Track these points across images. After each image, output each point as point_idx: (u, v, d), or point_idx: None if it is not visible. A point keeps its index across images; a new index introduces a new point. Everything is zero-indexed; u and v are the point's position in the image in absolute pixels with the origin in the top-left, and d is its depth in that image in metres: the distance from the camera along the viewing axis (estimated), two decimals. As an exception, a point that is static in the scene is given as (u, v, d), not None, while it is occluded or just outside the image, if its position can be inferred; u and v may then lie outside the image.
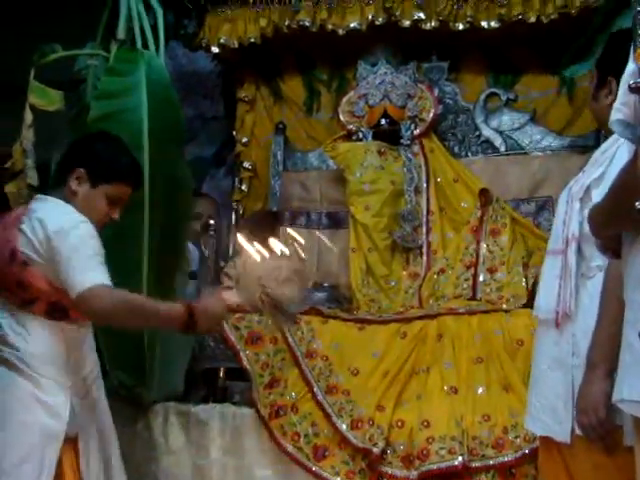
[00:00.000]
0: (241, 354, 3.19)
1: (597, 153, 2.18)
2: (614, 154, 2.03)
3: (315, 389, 3.00)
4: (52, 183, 2.50)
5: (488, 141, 4.07)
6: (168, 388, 3.15)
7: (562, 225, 2.13)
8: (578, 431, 1.84)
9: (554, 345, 2.02)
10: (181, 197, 3.11)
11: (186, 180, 3.16)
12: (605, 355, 1.74)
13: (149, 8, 3.41)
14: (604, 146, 2.15)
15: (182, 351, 3.16)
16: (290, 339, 3.16)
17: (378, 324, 3.20)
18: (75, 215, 2.16)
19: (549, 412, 1.96)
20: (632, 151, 1.45)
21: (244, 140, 4.56)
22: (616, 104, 1.45)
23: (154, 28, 3.39)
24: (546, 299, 2.09)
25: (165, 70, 3.24)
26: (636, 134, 1.39)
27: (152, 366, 2.81)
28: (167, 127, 3.08)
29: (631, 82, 1.22)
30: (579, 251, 2.03)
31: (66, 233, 2.08)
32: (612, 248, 1.61)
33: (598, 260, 1.88)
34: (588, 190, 2.09)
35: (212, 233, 3.45)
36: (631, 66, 1.41)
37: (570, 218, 2.09)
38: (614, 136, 2.11)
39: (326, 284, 3.69)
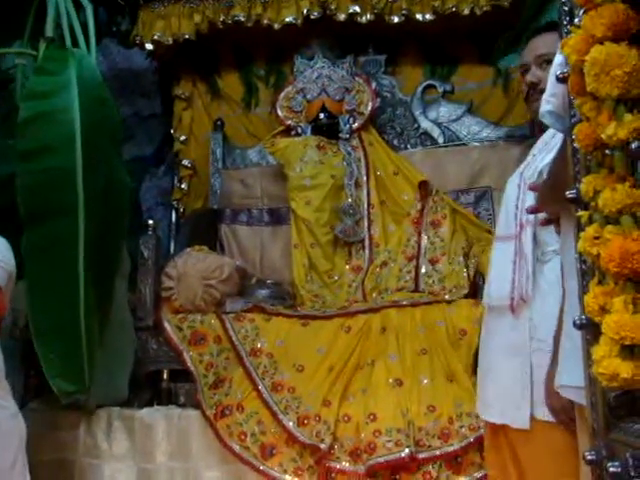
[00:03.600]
0: (185, 355, 3.15)
1: (546, 136, 2.19)
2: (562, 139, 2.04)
3: (260, 387, 2.98)
4: None
5: (426, 133, 4.09)
6: (111, 392, 3.09)
7: (514, 210, 2.12)
8: (539, 416, 1.84)
9: (510, 331, 2.00)
10: (118, 197, 3.04)
11: (123, 180, 3.09)
12: None
13: (79, 5, 3.33)
14: (550, 132, 2.17)
15: (124, 354, 3.10)
16: (234, 338, 3.14)
17: (322, 319, 3.19)
18: None
19: (505, 399, 1.94)
20: (563, 139, 1.47)
21: (182, 138, 4.50)
22: (545, 95, 1.46)
23: (84, 26, 3.31)
24: (499, 285, 2.07)
25: (96, 69, 3.16)
26: (565, 125, 1.40)
27: (92, 371, 2.75)
28: (101, 127, 3.00)
29: (558, 72, 1.22)
30: (534, 235, 2.03)
31: None
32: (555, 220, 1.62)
33: (554, 244, 1.86)
34: (540, 174, 2.09)
35: (151, 233, 3.38)
36: (559, 57, 1.42)
37: (523, 202, 2.08)
38: None
39: (269, 281, 3.67)
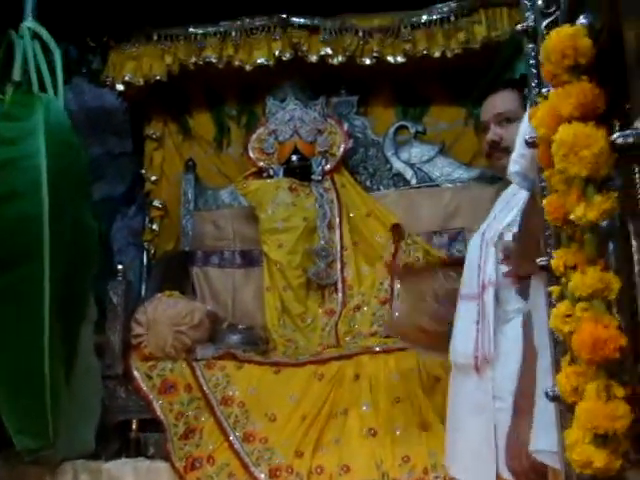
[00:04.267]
0: (154, 404, 3.08)
1: (506, 195, 2.19)
2: (523, 199, 2.04)
3: (232, 438, 2.92)
4: None
5: (399, 174, 4.09)
6: (77, 444, 3.00)
7: (477, 269, 2.12)
8: (505, 475, 1.81)
9: (475, 390, 2.00)
10: (85, 243, 2.99)
11: (90, 225, 3.04)
12: (530, 401, 1.73)
13: (47, 49, 3.29)
14: (513, 188, 2.16)
15: (91, 404, 3.02)
16: (205, 386, 3.07)
17: (294, 367, 3.13)
18: None
19: (472, 457, 1.94)
20: (528, 200, 1.46)
21: (153, 178, 4.46)
22: (514, 155, 1.45)
23: (53, 69, 3.27)
24: (463, 344, 2.07)
25: (64, 113, 3.12)
26: (532, 185, 1.39)
27: (57, 425, 2.67)
28: (68, 172, 2.96)
29: (527, 137, 1.21)
30: (496, 296, 2.03)
31: None
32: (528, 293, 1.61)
33: (515, 304, 1.88)
34: (502, 236, 2.09)
35: (120, 278, 3.32)
36: (526, 118, 1.41)
37: (485, 262, 2.08)
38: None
39: (241, 325, 3.61)
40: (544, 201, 1.07)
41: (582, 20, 0.90)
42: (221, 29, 4.06)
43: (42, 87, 3.16)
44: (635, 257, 0.84)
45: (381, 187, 4.10)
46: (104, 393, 3.15)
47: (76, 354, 2.81)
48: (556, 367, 1.18)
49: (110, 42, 4.20)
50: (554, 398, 1.15)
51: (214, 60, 4.01)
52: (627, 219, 0.87)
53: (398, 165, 4.09)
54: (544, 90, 1.08)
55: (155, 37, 4.10)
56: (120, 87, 4.18)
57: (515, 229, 2.04)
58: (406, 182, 4.08)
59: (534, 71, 1.32)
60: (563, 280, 1.02)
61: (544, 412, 1.40)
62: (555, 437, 1.28)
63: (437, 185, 4.03)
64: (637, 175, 0.81)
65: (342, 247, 3.80)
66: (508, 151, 2.29)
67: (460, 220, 3.86)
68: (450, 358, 2.17)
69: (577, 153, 0.86)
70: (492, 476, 1.86)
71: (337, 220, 3.84)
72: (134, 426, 3.16)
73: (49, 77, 3.19)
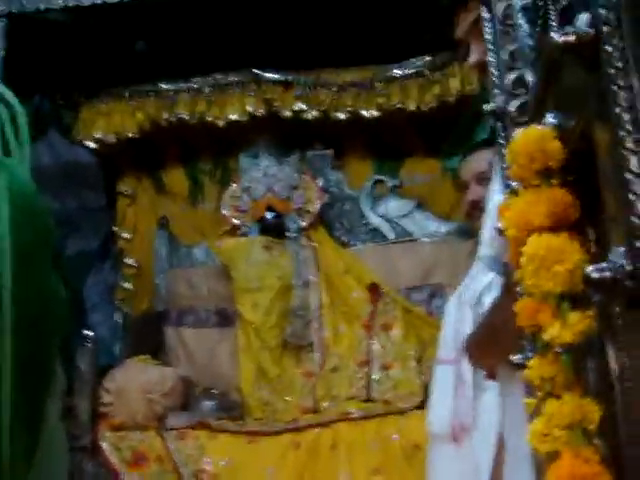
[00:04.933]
0: (123, 478, 2.95)
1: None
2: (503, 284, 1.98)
3: (204, 514, 2.79)
4: None
5: (376, 229, 4.02)
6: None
7: (454, 333, 2.05)
8: None
9: (454, 462, 1.92)
10: (52, 314, 2.88)
11: (59, 294, 2.93)
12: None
13: (11, 110, 3.22)
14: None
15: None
16: (176, 458, 2.95)
17: (270, 435, 3.02)
18: None
19: None
20: (502, 287, 1.38)
21: (126, 235, 4.36)
22: (484, 238, 1.39)
23: (18, 131, 3.20)
24: (439, 412, 2.00)
25: (29, 179, 3.02)
26: (504, 269, 1.33)
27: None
28: (33, 240, 2.84)
29: (497, 226, 1.14)
30: None
31: None
32: (490, 373, 1.53)
33: None
34: (480, 297, 2.03)
35: (89, 344, 3.21)
36: (496, 198, 1.35)
37: (463, 326, 2.02)
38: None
39: (215, 390, 3.50)
40: (516, 304, 0.99)
41: (550, 120, 0.83)
42: (193, 85, 4.01)
43: (6, 152, 3.08)
44: (616, 385, 0.76)
45: (358, 242, 4.03)
46: (71, 466, 3.01)
47: (39, 432, 2.68)
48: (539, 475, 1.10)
49: (80, 99, 4.14)
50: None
51: (186, 117, 3.95)
52: (606, 338, 0.79)
53: (375, 220, 4.02)
54: (514, 184, 1.01)
55: (126, 94, 4.04)
56: (92, 144, 4.11)
57: (493, 291, 1.97)
58: (383, 237, 4.01)
59: (503, 152, 1.26)
60: (540, 394, 0.94)
61: None
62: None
63: (415, 240, 3.97)
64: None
65: (319, 306, 3.71)
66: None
67: (439, 275, 3.79)
68: (427, 428, 2.09)
69: (549, 269, 0.78)
70: None
71: (313, 278, 3.75)
72: (103, 501, 3.03)
73: (14, 140, 3.12)
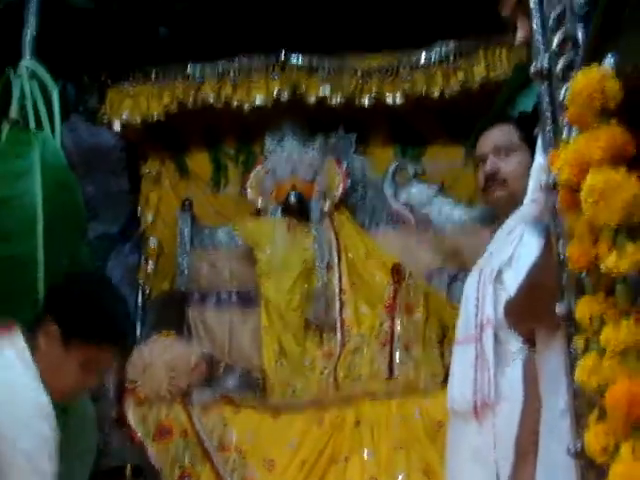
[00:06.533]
0: (149, 450, 3.00)
1: (501, 233, 2.16)
2: (522, 235, 2.00)
3: (229, 485, 2.84)
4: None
5: (398, 214, 4.05)
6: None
7: (474, 309, 2.07)
8: None
9: (475, 436, 1.94)
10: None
11: (88, 267, 2.98)
12: (533, 443, 1.67)
13: (45, 87, 3.27)
14: (507, 226, 2.13)
15: (87, 453, 2.93)
16: (201, 432, 2.99)
17: (293, 411, 3.06)
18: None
19: None
20: (542, 247, 1.40)
21: (149, 217, 4.41)
22: (527, 200, 1.41)
23: (50, 107, 3.24)
24: (461, 390, 2.02)
25: (61, 152, 3.08)
26: (546, 231, 1.35)
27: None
28: (64, 212, 2.90)
29: (542, 182, 1.17)
30: (495, 336, 1.97)
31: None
32: (530, 339, 1.55)
33: (517, 344, 1.81)
34: (500, 273, 2.05)
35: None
36: (539, 160, 1.37)
37: (483, 302, 2.04)
38: (516, 215, 2.09)
39: (238, 368, 3.54)
40: (567, 248, 1.03)
41: (609, 61, 0.87)
42: (219, 68, 4.05)
43: (39, 126, 3.13)
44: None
45: (380, 227, 4.06)
46: (98, 439, 3.06)
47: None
48: (579, 422, 1.13)
49: (108, 80, 4.18)
50: (577, 455, 1.09)
51: (212, 100, 3.99)
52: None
53: (397, 205, 4.05)
54: (564, 135, 1.04)
55: (153, 76, 4.09)
56: (117, 126, 4.16)
57: (514, 265, 1.99)
58: (405, 222, 4.03)
59: (548, 114, 1.29)
60: (588, 331, 0.97)
61: (548, 469, 1.34)
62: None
63: (436, 225, 3.99)
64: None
65: (341, 288, 3.74)
66: (505, 183, 2.28)
67: (460, 260, 3.81)
68: (448, 405, 2.12)
69: (608, 201, 0.81)
70: None
71: (336, 260, 3.79)
72: (128, 472, 3.08)
73: (46, 116, 3.17)
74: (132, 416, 3.07)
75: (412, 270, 3.73)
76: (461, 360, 2.06)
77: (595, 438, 0.91)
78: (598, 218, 0.83)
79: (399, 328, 3.49)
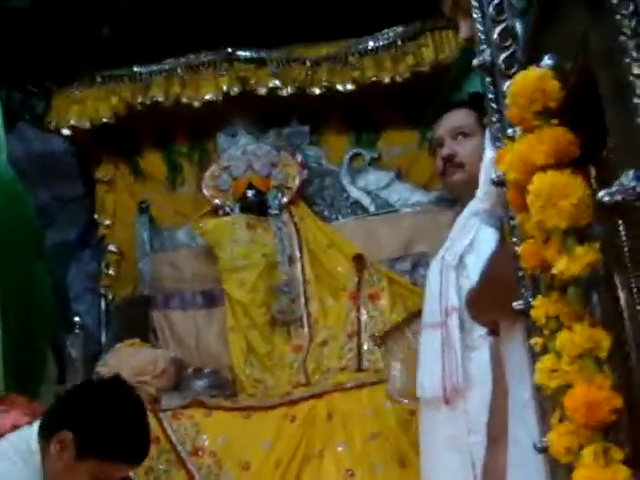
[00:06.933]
0: (121, 460, 2.95)
1: (461, 219, 2.15)
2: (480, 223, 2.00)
3: (205, 491, 2.81)
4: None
5: (357, 202, 4.04)
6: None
7: (439, 296, 2.07)
8: None
9: (447, 425, 1.94)
10: (38, 298, 2.88)
11: (43, 281, 2.93)
12: (504, 427, 1.67)
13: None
14: (467, 212, 2.13)
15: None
16: (173, 438, 2.96)
17: (264, 410, 3.04)
18: None
19: None
20: (498, 240, 1.40)
21: (107, 222, 4.35)
22: (479, 193, 1.41)
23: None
24: (429, 377, 2.02)
25: (7, 165, 3.01)
26: (500, 223, 1.34)
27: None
28: (16, 225, 2.85)
29: (493, 176, 1.16)
30: (461, 322, 1.97)
31: None
32: (492, 328, 1.55)
33: (482, 330, 1.81)
34: (462, 258, 2.05)
35: (78, 331, 3.21)
36: (489, 153, 1.36)
37: (447, 288, 2.04)
38: (474, 201, 2.09)
39: (207, 369, 3.51)
40: (520, 248, 1.02)
41: (547, 61, 0.85)
42: (166, 67, 3.99)
43: (-18, 140, 3.06)
44: (625, 312, 0.78)
45: (339, 216, 4.05)
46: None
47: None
48: (543, 418, 1.13)
49: (53, 86, 4.10)
50: (544, 451, 1.09)
51: (161, 99, 3.94)
52: (612, 269, 0.82)
53: (355, 193, 4.04)
54: (509, 131, 1.03)
55: (99, 79, 4.03)
56: (66, 132, 4.09)
57: (476, 250, 1.99)
58: (364, 210, 4.03)
59: (494, 106, 1.28)
60: (545, 332, 0.96)
61: (518, 457, 1.34)
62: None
63: (396, 210, 3.99)
64: (620, 223, 0.75)
65: (304, 281, 3.72)
66: (462, 167, 2.27)
67: (421, 245, 3.82)
68: (417, 394, 2.12)
69: (555, 204, 0.80)
70: None
71: (297, 254, 3.77)
72: (102, 485, 3.04)
73: (-9, 127, 3.09)
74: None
75: (374, 258, 3.73)
76: (428, 348, 2.06)
77: (559, 439, 0.91)
78: (546, 222, 0.82)
79: (365, 317, 3.49)
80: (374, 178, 4.07)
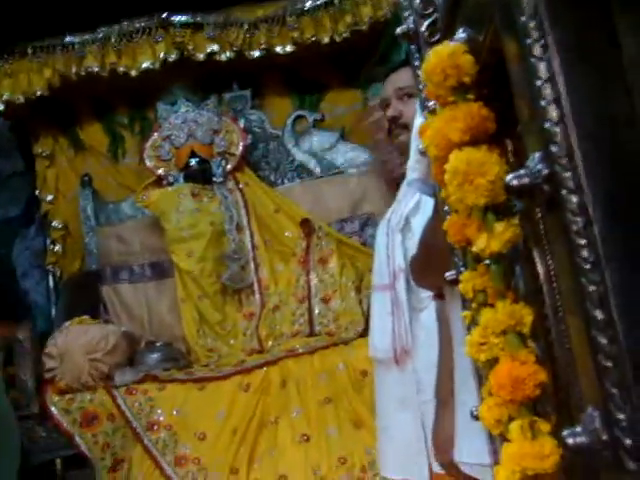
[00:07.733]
0: (77, 439, 2.94)
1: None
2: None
3: (162, 464, 2.81)
4: None
5: (302, 165, 4.01)
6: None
7: (386, 258, 2.07)
8: (436, 469, 1.78)
9: (398, 384, 1.96)
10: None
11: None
12: (451, 389, 1.69)
13: None
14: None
15: (7, 451, 2.85)
16: (127, 413, 2.95)
17: (218, 380, 3.04)
18: None
19: (403, 454, 1.90)
20: (434, 207, 1.40)
21: (49, 198, 4.26)
22: (410, 162, 1.40)
23: None
24: (380, 338, 2.03)
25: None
26: (434, 190, 1.34)
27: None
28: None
29: (421, 147, 1.15)
30: (407, 283, 1.98)
31: None
32: (437, 292, 1.55)
33: (428, 291, 1.82)
34: (407, 220, 2.05)
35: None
36: (419, 121, 1.35)
37: (393, 250, 2.04)
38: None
39: (159, 342, 3.49)
40: (445, 222, 1.01)
41: (461, 35, 0.84)
42: (100, 35, 3.88)
43: None
44: (544, 287, 0.78)
45: (285, 180, 4.02)
46: (22, 435, 2.98)
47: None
48: (480, 386, 1.14)
49: (-17, 61, 3.96)
50: (478, 418, 1.10)
51: (96, 69, 3.84)
52: (531, 244, 0.82)
53: (300, 156, 4.01)
54: (431, 103, 1.02)
55: (30, 51, 3.89)
56: (0, 106, 3.95)
57: (421, 210, 2.00)
58: (310, 172, 4.01)
59: (420, 74, 1.26)
60: (473, 305, 0.96)
61: (464, 424, 1.36)
62: (479, 447, 1.24)
63: (341, 172, 3.97)
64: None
65: (253, 247, 3.70)
66: (407, 127, 2.26)
67: (369, 205, 3.82)
68: (370, 354, 2.13)
69: (472, 182, 0.79)
70: (425, 473, 1.82)
71: (245, 220, 3.74)
72: (59, 465, 3.02)
73: None
74: (54, 407, 3.00)
75: (323, 220, 3.72)
76: (378, 308, 2.06)
77: (488, 411, 0.91)
78: (464, 200, 0.81)
79: (315, 282, 3.49)
80: (318, 140, 4.04)
